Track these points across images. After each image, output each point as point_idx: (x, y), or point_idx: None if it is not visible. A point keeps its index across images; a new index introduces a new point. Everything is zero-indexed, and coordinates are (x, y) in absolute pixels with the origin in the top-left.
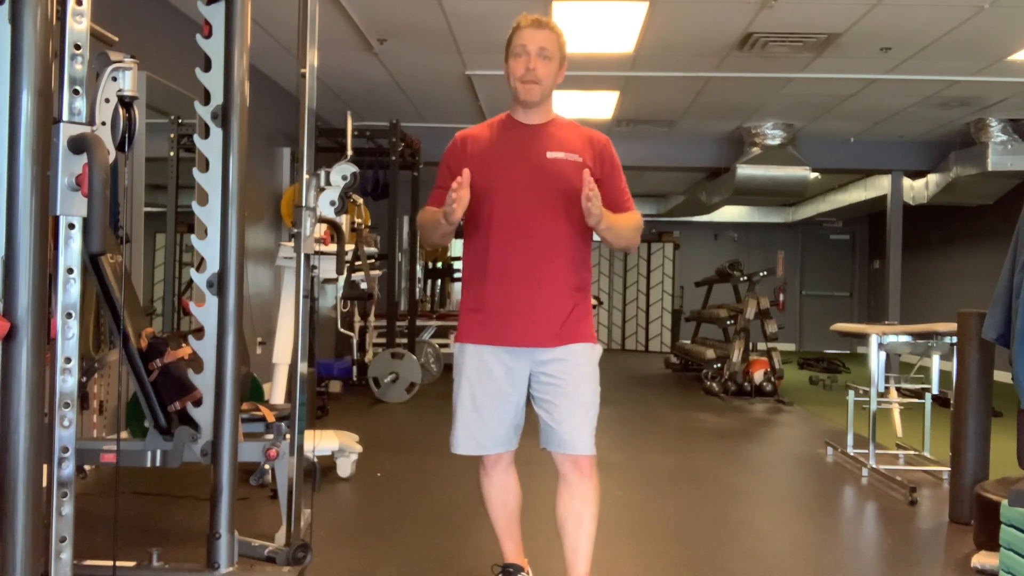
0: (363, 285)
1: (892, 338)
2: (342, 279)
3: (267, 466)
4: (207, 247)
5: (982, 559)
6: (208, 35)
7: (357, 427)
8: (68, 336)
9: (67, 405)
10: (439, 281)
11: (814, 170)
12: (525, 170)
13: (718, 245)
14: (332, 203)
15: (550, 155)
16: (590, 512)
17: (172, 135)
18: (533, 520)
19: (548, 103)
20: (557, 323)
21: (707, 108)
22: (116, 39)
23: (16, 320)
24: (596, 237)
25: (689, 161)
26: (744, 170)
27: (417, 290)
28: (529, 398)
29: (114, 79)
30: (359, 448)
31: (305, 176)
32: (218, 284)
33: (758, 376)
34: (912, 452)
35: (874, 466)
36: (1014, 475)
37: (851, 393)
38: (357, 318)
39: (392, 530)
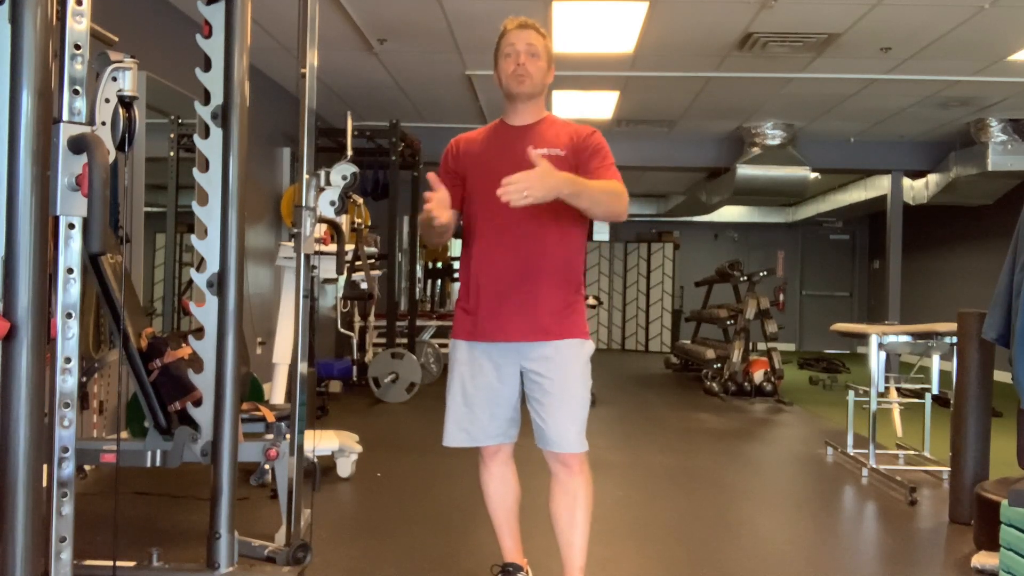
0: (363, 285)
1: (892, 338)
2: (342, 279)
3: (267, 466)
4: (207, 247)
5: (982, 559)
6: (208, 35)
7: (357, 427)
8: (68, 336)
9: (67, 405)
10: (439, 281)
11: (814, 170)
12: (508, 169)
13: (718, 245)
14: (332, 203)
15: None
16: (581, 507)
17: (172, 135)
18: (533, 519)
19: (538, 103)
20: (544, 318)
21: (707, 108)
22: (116, 39)
23: (16, 320)
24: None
25: (689, 161)
26: (744, 170)
27: (417, 290)
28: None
29: (114, 79)
30: (359, 448)
31: (305, 176)
32: (218, 284)
33: (758, 376)
34: (912, 452)
35: (874, 466)
36: (1014, 475)
37: (851, 393)
38: (357, 318)
39: (392, 530)
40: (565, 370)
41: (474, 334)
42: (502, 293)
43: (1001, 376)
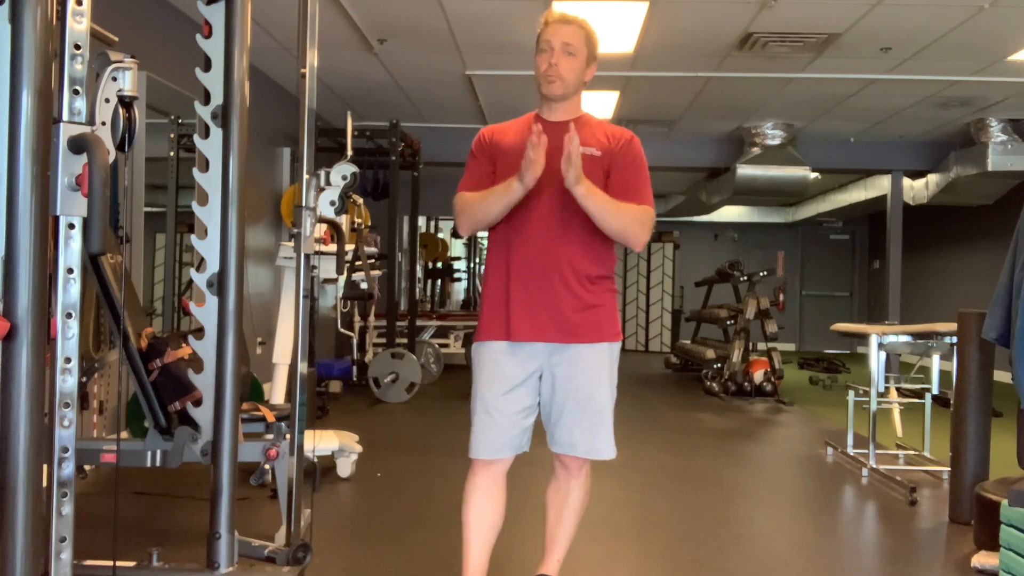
0: (363, 285)
1: (892, 338)
2: (342, 279)
3: (267, 466)
4: (207, 247)
5: (982, 559)
6: (208, 35)
7: (357, 427)
8: (68, 336)
9: (67, 405)
10: (439, 281)
11: (814, 170)
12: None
13: (718, 245)
14: (332, 203)
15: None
16: (572, 509)
17: (172, 135)
18: (534, 519)
19: (574, 101)
20: (571, 317)
21: (707, 108)
22: (116, 39)
23: (16, 320)
24: None
25: (689, 161)
26: (744, 170)
27: (417, 290)
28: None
29: (114, 79)
30: (359, 448)
31: (305, 176)
32: (218, 284)
33: (758, 376)
34: (912, 452)
35: (874, 466)
36: (1014, 475)
37: (851, 393)
38: (357, 318)
39: (392, 530)
40: (587, 377)
41: (499, 333)
42: (528, 289)
43: (1001, 376)
